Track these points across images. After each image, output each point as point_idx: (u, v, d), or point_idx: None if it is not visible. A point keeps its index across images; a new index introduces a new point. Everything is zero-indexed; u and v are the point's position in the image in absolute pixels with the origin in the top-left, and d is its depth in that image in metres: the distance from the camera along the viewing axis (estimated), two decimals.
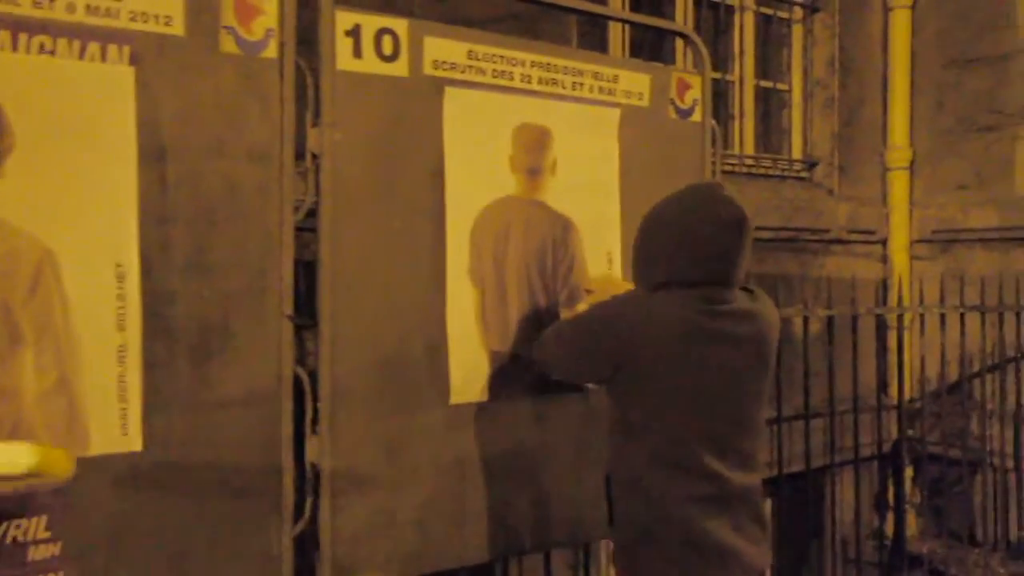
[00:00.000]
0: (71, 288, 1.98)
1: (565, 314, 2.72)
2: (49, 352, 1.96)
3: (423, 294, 2.47)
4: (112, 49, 2.03)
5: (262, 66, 2.22)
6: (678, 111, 3.03)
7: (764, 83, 5.00)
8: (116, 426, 2.03)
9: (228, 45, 2.18)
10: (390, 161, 2.42)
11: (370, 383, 2.37)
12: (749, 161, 4.80)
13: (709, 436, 2.06)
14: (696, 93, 3.06)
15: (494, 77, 2.61)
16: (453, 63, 2.52)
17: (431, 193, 2.49)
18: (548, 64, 2.72)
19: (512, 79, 2.64)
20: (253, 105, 2.20)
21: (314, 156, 2.31)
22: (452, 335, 2.50)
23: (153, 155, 2.07)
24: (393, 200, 2.42)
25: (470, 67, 2.56)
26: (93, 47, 2.01)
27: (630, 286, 2.30)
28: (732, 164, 4.65)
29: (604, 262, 2.85)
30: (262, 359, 2.21)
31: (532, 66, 2.68)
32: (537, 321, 2.65)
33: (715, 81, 4.63)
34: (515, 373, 2.61)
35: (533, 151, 2.69)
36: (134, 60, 2.06)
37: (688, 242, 2.08)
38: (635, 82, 2.91)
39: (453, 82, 2.52)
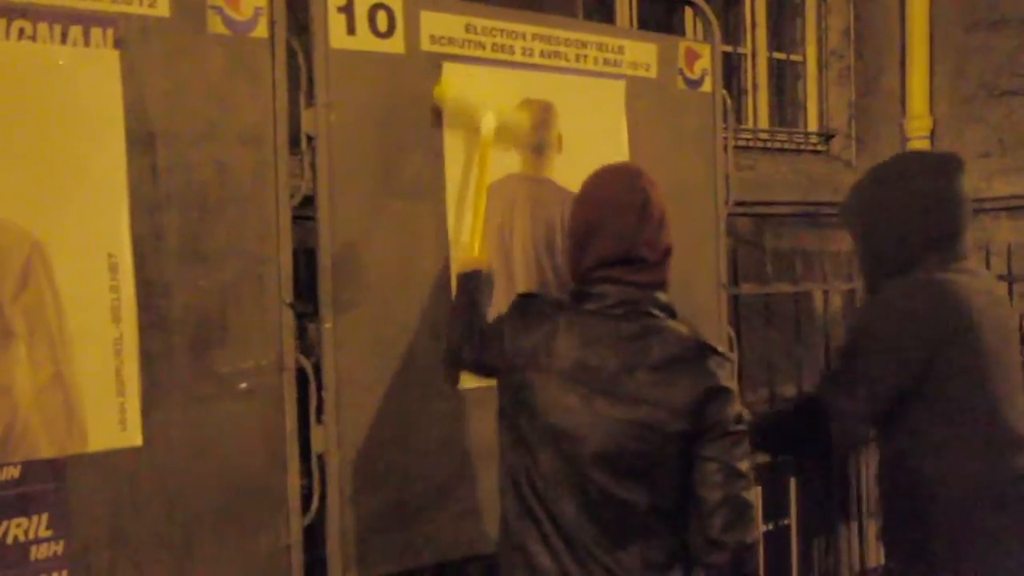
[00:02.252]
0: (62, 280, 1.92)
1: None
2: (43, 347, 1.91)
3: (426, 277, 2.40)
4: (95, 32, 1.96)
5: (252, 46, 2.14)
6: (687, 81, 2.93)
7: (778, 55, 4.88)
8: (114, 421, 1.98)
9: (216, 25, 2.11)
10: (388, 141, 2.34)
11: (375, 370, 2.30)
12: (764, 135, 4.68)
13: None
14: (705, 63, 2.96)
15: (494, 51, 2.52)
16: (451, 38, 2.44)
17: (432, 173, 2.41)
18: (550, 36, 2.63)
19: (513, 53, 2.56)
20: (244, 87, 2.13)
21: (309, 138, 2.24)
22: None
23: (142, 141, 2.01)
24: (392, 181, 2.35)
25: (469, 42, 2.47)
26: (75, 31, 1.94)
27: None
28: (746, 138, 4.54)
29: None
30: (263, 349, 2.14)
31: (533, 39, 2.59)
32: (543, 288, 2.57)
33: (727, 55, 4.52)
34: None
35: (537, 127, 2.60)
36: (118, 44, 1.99)
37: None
38: (641, 52, 2.81)
39: (452, 57, 2.44)
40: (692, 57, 2.93)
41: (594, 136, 2.70)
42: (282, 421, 2.16)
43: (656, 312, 1.74)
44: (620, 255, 1.73)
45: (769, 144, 4.69)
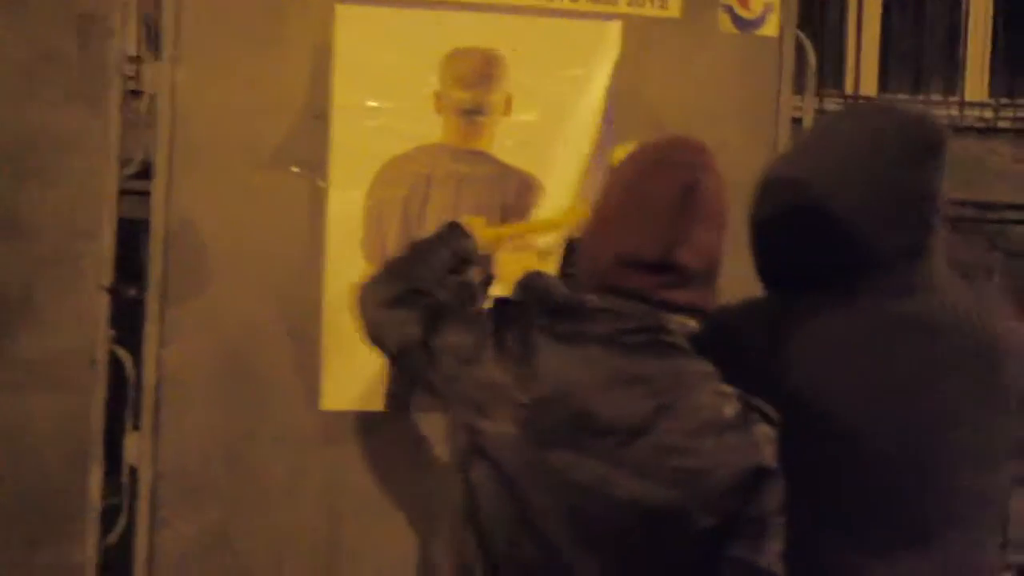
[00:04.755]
0: None
1: None
2: None
3: (291, 269, 1.96)
4: None
5: None
6: (737, 21, 2.08)
7: None
8: None
9: None
10: (254, 102, 1.94)
11: (211, 374, 1.93)
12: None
13: None
14: None
15: None
16: None
17: (310, 141, 1.96)
18: None
19: None
20: (70, 37, 1.90)
21: (152, 98, 1.93)
22: (329, 322, 1.94)
23: None
24: (255, 150, 1.95)
25: None
26: None
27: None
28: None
29: None
30: (73, 336, 1.90)
31: None
32: None
33: None
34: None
35: (472, 85, 2.00)
36: None
37: None
38: None
39: None
40: None
41: (564, 99, 2.02)
42: (88, 422, 1.90)
43: (688, 348, 1.16)
44: (650, 257, 1.14)
45: None
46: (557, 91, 2.02)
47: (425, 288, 1.36)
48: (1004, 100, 3.79)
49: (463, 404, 1.16)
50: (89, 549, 1.90)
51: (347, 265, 1.95)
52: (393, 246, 1.96)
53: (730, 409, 1.09)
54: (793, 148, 1.28)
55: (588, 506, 1.06)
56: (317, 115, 1.95)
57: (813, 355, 1.14)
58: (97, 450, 1.90)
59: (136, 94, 1.94)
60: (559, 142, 2.03)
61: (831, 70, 3.64)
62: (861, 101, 2.90)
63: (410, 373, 1.40)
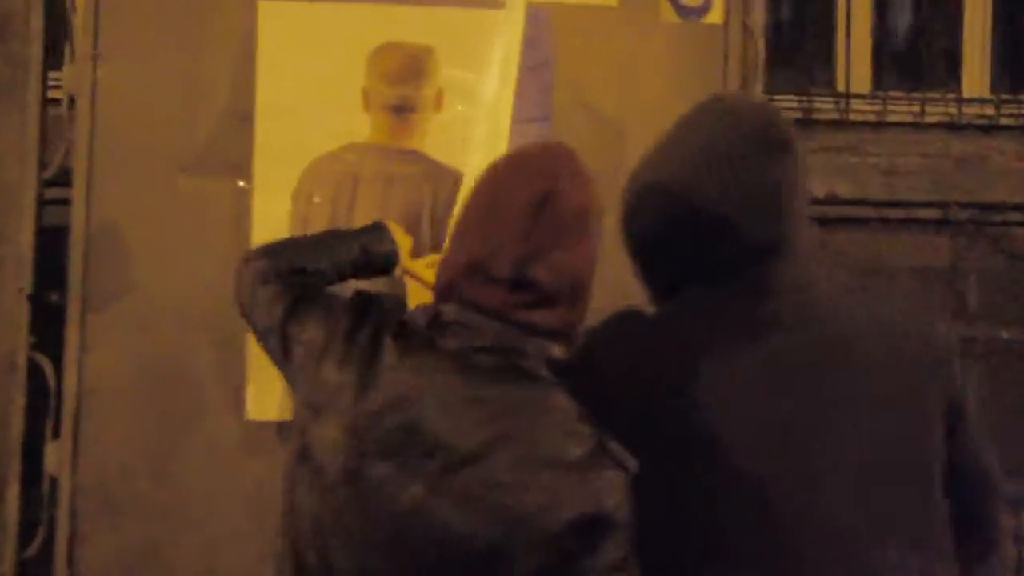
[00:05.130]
0: None
1: None
2: None
3: (215, 274, 1.89)
4: None
5: None
6: (680, 9, 1.99)
7: None
8: None
9: None
10: (177, 101, 1.90)
11: (135, 382, 1.88)
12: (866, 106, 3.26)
13: None
14: None
15: None
16: None
17: (235, 142, 1.91)
18: None
19: None
20: None
21: (72, 99, 1.89)
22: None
23: None
24: (178, 152, 1.90)
25: None
26: None
27: None
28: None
29: None
30: None
31: None
32: None
33: None
34: None
35: (400, 81, 1.93)
36: None
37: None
38: None
39: None
40: None
41: (491, 99, 1.94)
42: (7, 430, 1.86)
43: (544, 376, 1.02)
44: (501, 272, 1.02)
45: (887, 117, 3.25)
46: (489, 84, 1.94)
47: (312, 272, 1.25)
48: (1006, 96, 3.63)
49: (301, 403, 1.08)
50: (6, 564, 1.85)
51: None
52: None
53: (577, 449, 0.95)
54: (654, 150, 1.17)
55: (404, 531, 0.95)
56: (243, 117, 1.90)
57: (669, 370, 1.02)
58: (16, 460, 1.86)
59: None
60: (492, 137, 1.95)
61: (820, 66, 3.52)
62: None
63: (272, 359, 1.21)
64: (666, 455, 1.00)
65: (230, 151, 1.90)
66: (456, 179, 1.93)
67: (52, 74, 1.95)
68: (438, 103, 1.94)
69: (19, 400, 1.87)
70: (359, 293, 1.14)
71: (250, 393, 1.89)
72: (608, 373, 1.06)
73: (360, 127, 1.93)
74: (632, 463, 0.96)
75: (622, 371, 1.05)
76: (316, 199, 1.90)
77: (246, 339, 1.88)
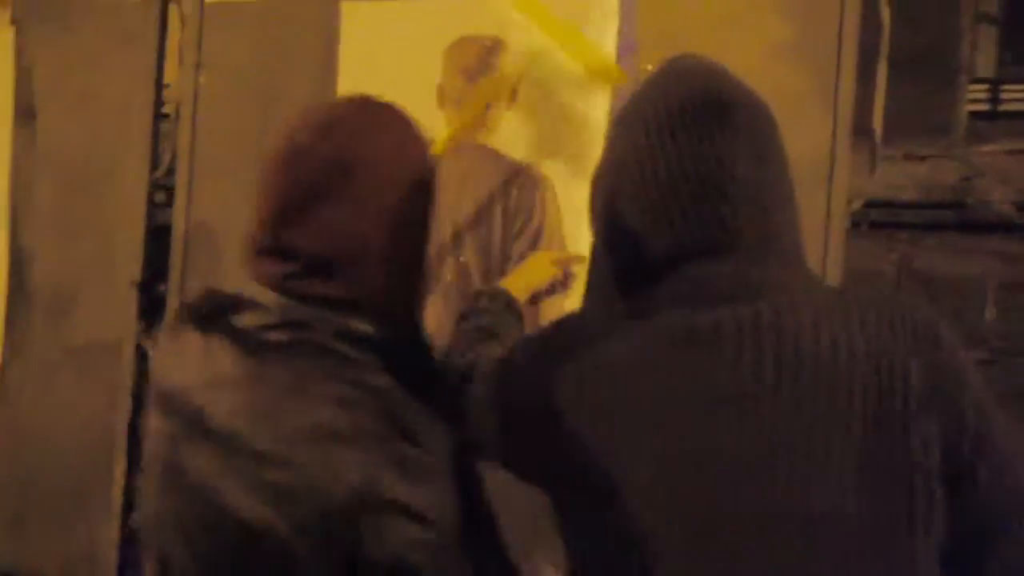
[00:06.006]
0: None
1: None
2: None
3: None
4: None
5: (131, 11, 2.04)
6: None
7: None
8: None
9: None
10: (267, 105, 1.97)
11: None
12: None
13: None
14: None
15: None
16: None
17: None
18: None
19: None
20: (119, 54, 2.05)
21: (178, 108, 2.03)
22: None
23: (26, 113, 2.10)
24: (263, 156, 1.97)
25: None
26: None
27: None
28: None
29: None
30: (108, 328, 2.04)
31: None
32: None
33: None
34: None
35: (474, 76, 1.87)
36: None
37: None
38: None
39: None
40: None
41: (572, 83, 1.83)
42: (114, 412, 2.02)
43: (339, 348, 0.91)
44: (262, 241, 0.94)
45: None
46: (565, 79, 1.84)
47: None
48: None
49: None
50: (113, 533, 2.01)
51: None
52: None
53: (352, 419, 0.84)
54: (611, 128, 0.99)
55: (202, 516, 0.88)
56: None
57: (586, 391, 0.86)
58: (123, 440, 2.02)
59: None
60: (567, 130, 1.84)
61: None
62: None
63: None
64: (576, 486, 0.86)
65: None
66: (526, 173, 1.85)
67: None
68: (512, 97, 1.87)
69: (127, 384, 2.02)
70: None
71: None
72: (523, 387, 0.93)
73: (437, 125, 1.90)
74: (432, 442, 0.84)
75: (539, 387, 0.89)
76: None
77: None
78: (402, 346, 0.93)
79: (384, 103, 0.98)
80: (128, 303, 2.03)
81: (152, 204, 2.04)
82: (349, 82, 1.92)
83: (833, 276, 1.68)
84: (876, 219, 2.28)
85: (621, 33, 1.80)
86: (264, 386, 0.87)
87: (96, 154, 2.06)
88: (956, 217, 2.31)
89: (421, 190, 0.97)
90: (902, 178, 2.29)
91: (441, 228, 1.86)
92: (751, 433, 0.80)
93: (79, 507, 2.03)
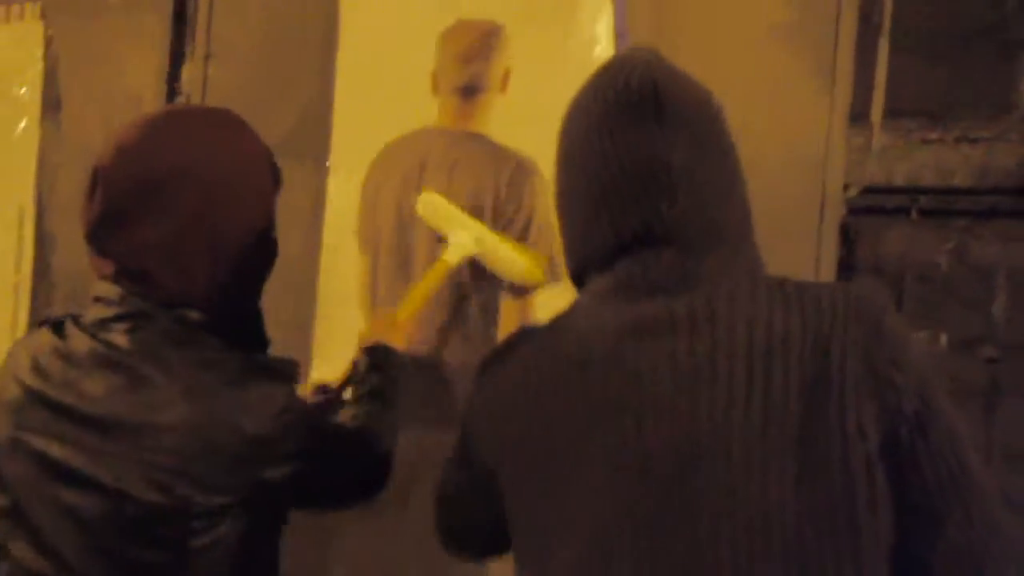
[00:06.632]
0: None
1: (509, 303, 1.80)
2: None
3: (296, 254, 1.94)
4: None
5: (145, 2, 2.09)
6: None
7: None
8: None
9: None
10: (268, 92, 1.99)
11: None
12: None
13: None
14: None
15: None
16: None
17: (314, 129, 1.95)
18: None
19: None
20: (133, 46, 2.10)
21: (188, 98, 2.06)
22: (322, 315, 1.91)
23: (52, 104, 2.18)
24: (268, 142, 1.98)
25: None
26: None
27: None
28: None
29: None
30: None
31: None
32: (459, 309, 1.82)
33: None
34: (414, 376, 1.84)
35: (469, 60, 1.83)
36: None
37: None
38: None
39: None
40: None
41: (565, 71, 1.77)
42: None
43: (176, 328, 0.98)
44: (89, 242, 1.02)
45: None
46: (560, 65, 1.79)
47: None
48: None
49: None
50: None
51: (342, 256, 1.90)
52: (388, 235, 1.87)
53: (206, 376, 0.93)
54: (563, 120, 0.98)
55: (64, 498, 0.94)
56: (324, 107, 1.94)
57: (541, 388, 0.86)
58: None
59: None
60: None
61: None
62: None
63: None
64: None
65: (308, 138, 1.95)
66: (518, 163, 1.81)
67: None
68: (504, 84, 1.83)
69: None
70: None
71: (314, 371, 1.92)
72: (494, 387, 0.92)
73: (430, 112, 1.88)
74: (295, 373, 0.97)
75: (497, 384, 0.92)
76: (385, 186, 1.88)
77: (313, 320, 1.92)
78: (237, 330, 1.00)
79: (202, 112, 1.10)
80: None
81: None
82: (348, 71, 1.92)
83: (828, 264, 1.59)
84: (926, 206, 2.12)
85: (615, 17, 1.73)
86: (113, 370, 0.94)
87: None
88: (1015, 203, 2.13)
89: (240, 192, 1.00)
90: (955, 162, 2.13)
91: None
92: (689, 426, 0.79)
93: None
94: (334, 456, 1.05)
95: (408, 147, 1.87)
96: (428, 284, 1.62)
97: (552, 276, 1.74)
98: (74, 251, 1.97)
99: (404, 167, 1.86)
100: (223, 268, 0.98)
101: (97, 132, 2.07)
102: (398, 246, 1.84)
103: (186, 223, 0.95)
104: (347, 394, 1.31)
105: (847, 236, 1.72)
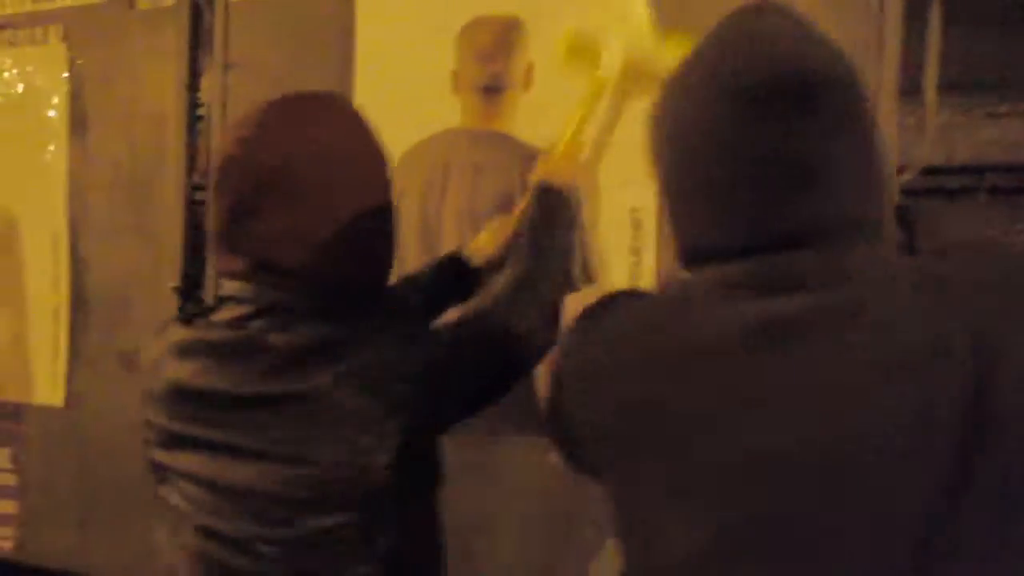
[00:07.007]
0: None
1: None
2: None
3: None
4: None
5: (162, 16, 2.06)
6: None
7: None
8: (50, 381, 2.21)
9: (143, 2, 2.10)
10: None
11: None
12: None
13: None
14: None
15: None
16: None
17: None
18: None
19: None
20: (154, 61, 2.07)
21: (209, 106, 2.02)
22: None
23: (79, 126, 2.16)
24: None
25: None
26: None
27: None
28: None
29: (627, 226, 1.68)
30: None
31: None
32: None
33: None
34: None
35: (490, 58, 1.75)
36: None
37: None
38: None
39: None
40: None
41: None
42: None
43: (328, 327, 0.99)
44: (216, 240, 1.03)
45: None
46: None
47: None
48: None
49: None
50: None
51: None
52: (412, 242, 1.80)
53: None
54: (672, 87, 0.87)
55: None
56: None
57: (656, 380, 0.80)
58: None
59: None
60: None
61: None
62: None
63: None
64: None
65: None
66: None
67: None
68: (527, 80, 1.74)
69: None
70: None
71: None
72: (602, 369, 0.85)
73: (452, 112, 1.80)
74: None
75: (610, 376, 0.84)
76: (409, 190, 1.81)
77: None
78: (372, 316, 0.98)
79: (312, 95, 1.00)
80: (173, 307, 2.05)
81: (195, 205, 2.05)
82: (366, 73, 1.85)
83: (887, 252, 1.46)
84: (998, 184, 1.96)
85: None
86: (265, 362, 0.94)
87: (138, 163, 2.10)
88: None
89: (362, 178, 0.99)
90: None
91: (457, 218, 1.77)
92: (835, 430, 0.72)
93: (142, 507, 2.08)
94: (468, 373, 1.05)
95: (431, 150, 1.80)
96: (586, 105, 1.36)
97: (586, 277, 1.65)
98: (109, 273, 1.95)
99: (427, 171, 1.79)
100: (352, 257, 0.97)
101: (123, 152, 2.06)
102: (423, 253, 1.78)
103: (314, 207, 0.94)
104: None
105: (905, 221, 1.59)
